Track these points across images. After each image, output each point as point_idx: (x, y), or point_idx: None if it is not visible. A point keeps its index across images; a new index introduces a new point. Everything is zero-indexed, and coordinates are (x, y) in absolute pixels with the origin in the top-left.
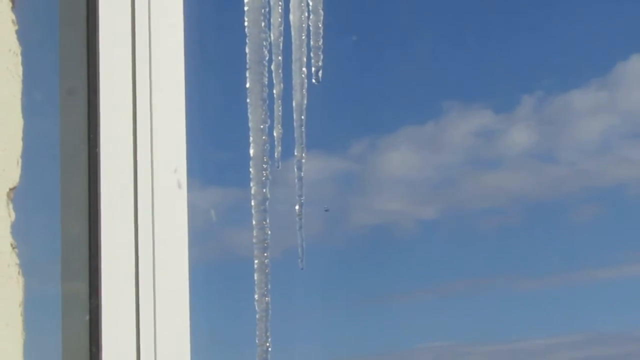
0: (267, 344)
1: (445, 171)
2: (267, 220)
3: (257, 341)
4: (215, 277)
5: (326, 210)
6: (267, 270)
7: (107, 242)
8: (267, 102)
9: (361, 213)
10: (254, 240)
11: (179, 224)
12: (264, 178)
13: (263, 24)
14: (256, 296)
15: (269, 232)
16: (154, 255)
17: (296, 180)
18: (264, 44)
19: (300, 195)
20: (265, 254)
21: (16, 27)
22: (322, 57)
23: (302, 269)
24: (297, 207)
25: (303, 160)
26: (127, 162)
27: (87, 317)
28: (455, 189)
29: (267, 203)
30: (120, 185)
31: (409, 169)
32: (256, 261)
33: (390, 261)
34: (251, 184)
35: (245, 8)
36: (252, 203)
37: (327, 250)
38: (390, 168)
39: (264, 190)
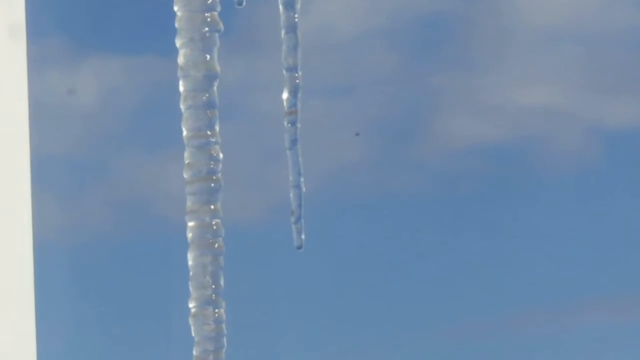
0: None
1: None
2: (217, 129)
3: None
4: (93, 264)
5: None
6: (215, 245)
7: None
8: None
9: (456, 122)
10: (185, 175)
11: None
12: (206, 29)
13: None
14: (192, 306)
15: (220, 156)
16: None
17: (283, 29)
18: None
19: (291, 70)
20: (212, 207)
21: None
22: None
23: (299, 249)
24: (285, 96)
25: None
26: None
27: None
28: None
29: (214, 84)
30: None
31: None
32: (191, 224)
33: (509, 235)
34: (177, 44)
35: None
36: (182, 86)
37: (363, 205)
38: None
39: (206, 57)
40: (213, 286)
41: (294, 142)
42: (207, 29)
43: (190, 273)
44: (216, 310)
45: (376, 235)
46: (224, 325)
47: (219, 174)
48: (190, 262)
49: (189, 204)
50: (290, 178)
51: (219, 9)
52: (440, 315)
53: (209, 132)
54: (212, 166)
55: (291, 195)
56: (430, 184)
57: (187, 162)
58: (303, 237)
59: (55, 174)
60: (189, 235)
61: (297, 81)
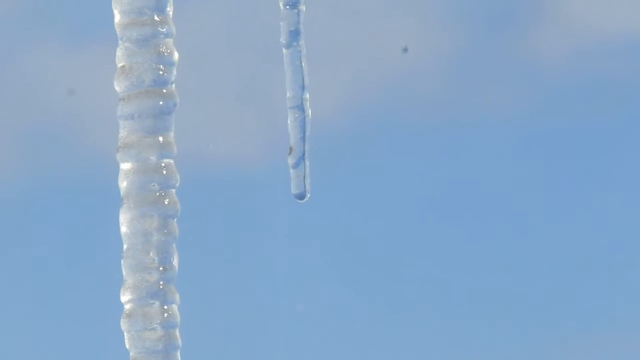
0: None
1: None
2: (169, 11)
3: None
4: None
5: None
6: (165, 201)
7: None
8: None
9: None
10: (117, 87)
11: None
12: None
13: None
14: (125, 300)
15: (175, 56)
16: None
17: None
18: None
19: None
20: (161, 139)
21: None
22: None
23: (300, 199)
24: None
25: None
26: None
27: None
28: None
29: None
30: None
31: None
32: (125, 166)
33: None
34: None
35: None
36: None
37: (416, 137)
38: None
39: None
40: (161, 268)
41: (294, 34)
42: None
43: (124, 246)
44: (165, 307)
45: (435, 187)
46: (177, 332)
47: (172, 86)
48: (123, 229)
49: (122, 133)
50: (288, 94)
51: None
52: None
53: (156, 17)
54: (161, 72)
55: (289, 121)
56: (542, 101)
57: (120, 65)
58: (307, 183)
59: None
60: (123, 184)
61: None
